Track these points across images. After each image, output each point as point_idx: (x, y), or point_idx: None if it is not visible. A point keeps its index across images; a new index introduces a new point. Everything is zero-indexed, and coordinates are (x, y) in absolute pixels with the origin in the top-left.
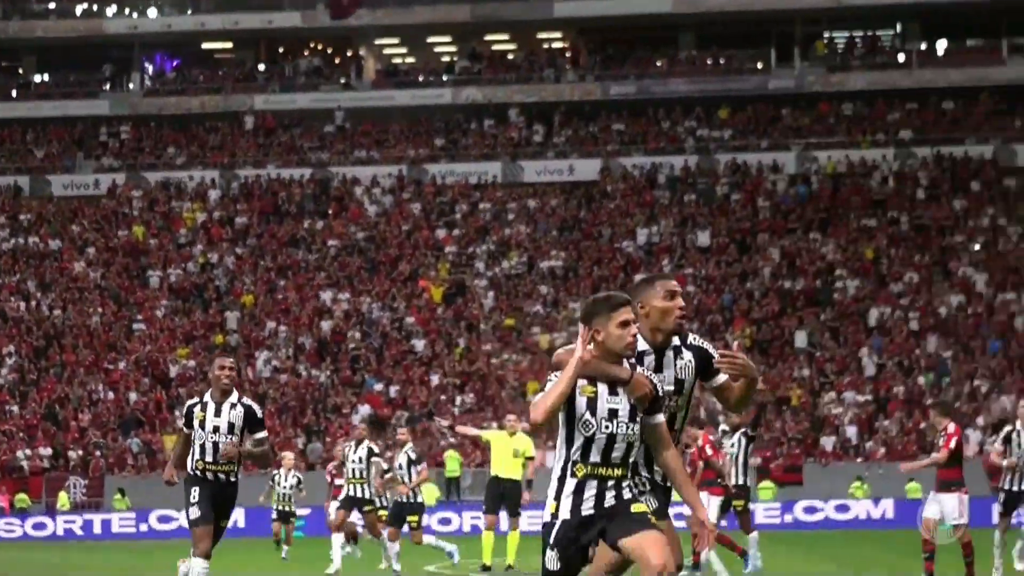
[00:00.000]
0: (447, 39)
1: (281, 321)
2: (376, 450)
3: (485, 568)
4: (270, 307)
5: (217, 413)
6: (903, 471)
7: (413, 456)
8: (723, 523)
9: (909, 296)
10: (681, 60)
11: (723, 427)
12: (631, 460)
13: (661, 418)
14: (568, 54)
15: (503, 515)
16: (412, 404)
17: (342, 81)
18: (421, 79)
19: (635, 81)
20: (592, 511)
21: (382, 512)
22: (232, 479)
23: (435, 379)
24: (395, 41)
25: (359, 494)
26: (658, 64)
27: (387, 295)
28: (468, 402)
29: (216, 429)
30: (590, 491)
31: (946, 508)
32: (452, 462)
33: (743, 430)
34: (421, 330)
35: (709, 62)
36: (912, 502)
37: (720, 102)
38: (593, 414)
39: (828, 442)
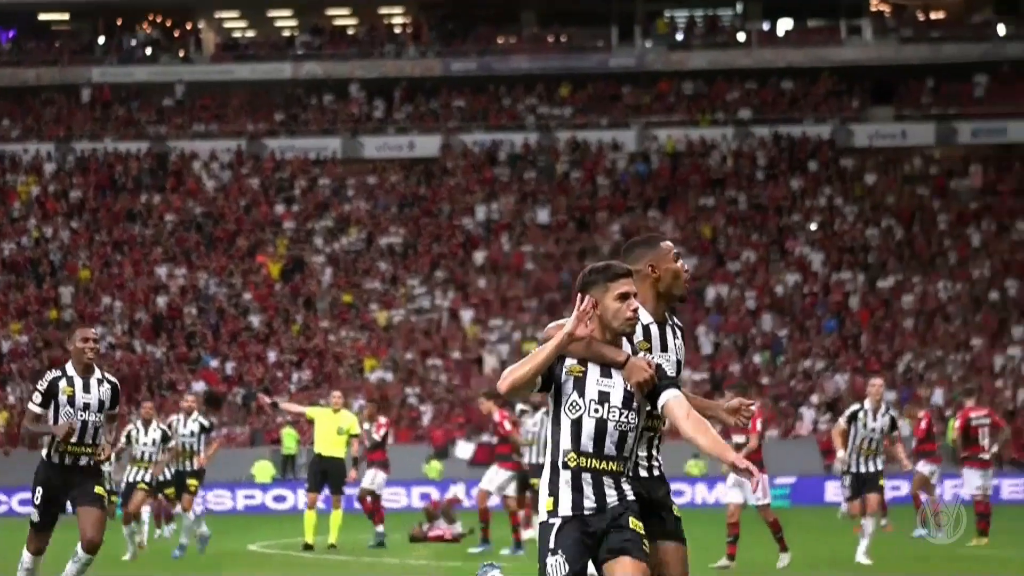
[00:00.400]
0: (287, 13)
1: (116, 296)
2: (169, 433)
3: (307, 547)
4: (105, 282)
5: (86, 389)
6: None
7: (206, 423)
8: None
9: (746, 275)
10: (523, 37)
11: (520, 407)
12: (627, 454)
13: (668, 394)
14: (409, 30)
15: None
16: (249, 381)
17: (181, 54)
18: (261, 53)
19: (476, 58)
20: (595, 507)
21: (169, 491)
22: (95, 460)
23: (272, 355)
24: (235, 14)
25: (140, 478)
26: (500, 41)
27: (224, 271)
28: (305, 379)
29: (87, 407)
30: (587, 486)
31: (747, 490)
32: (288, 439)
33: (544, 409)
34: (258, 306)
35: (551, 40)
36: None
37: (561, 80)
38: (581, 395)
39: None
